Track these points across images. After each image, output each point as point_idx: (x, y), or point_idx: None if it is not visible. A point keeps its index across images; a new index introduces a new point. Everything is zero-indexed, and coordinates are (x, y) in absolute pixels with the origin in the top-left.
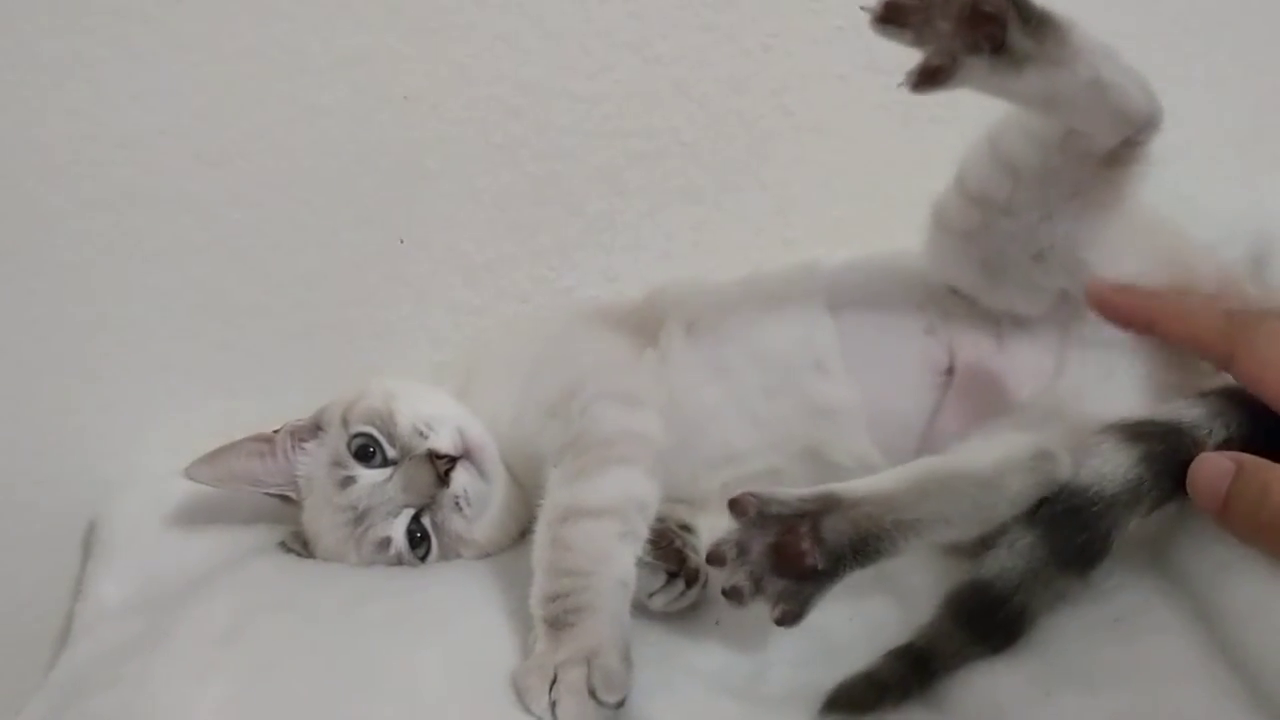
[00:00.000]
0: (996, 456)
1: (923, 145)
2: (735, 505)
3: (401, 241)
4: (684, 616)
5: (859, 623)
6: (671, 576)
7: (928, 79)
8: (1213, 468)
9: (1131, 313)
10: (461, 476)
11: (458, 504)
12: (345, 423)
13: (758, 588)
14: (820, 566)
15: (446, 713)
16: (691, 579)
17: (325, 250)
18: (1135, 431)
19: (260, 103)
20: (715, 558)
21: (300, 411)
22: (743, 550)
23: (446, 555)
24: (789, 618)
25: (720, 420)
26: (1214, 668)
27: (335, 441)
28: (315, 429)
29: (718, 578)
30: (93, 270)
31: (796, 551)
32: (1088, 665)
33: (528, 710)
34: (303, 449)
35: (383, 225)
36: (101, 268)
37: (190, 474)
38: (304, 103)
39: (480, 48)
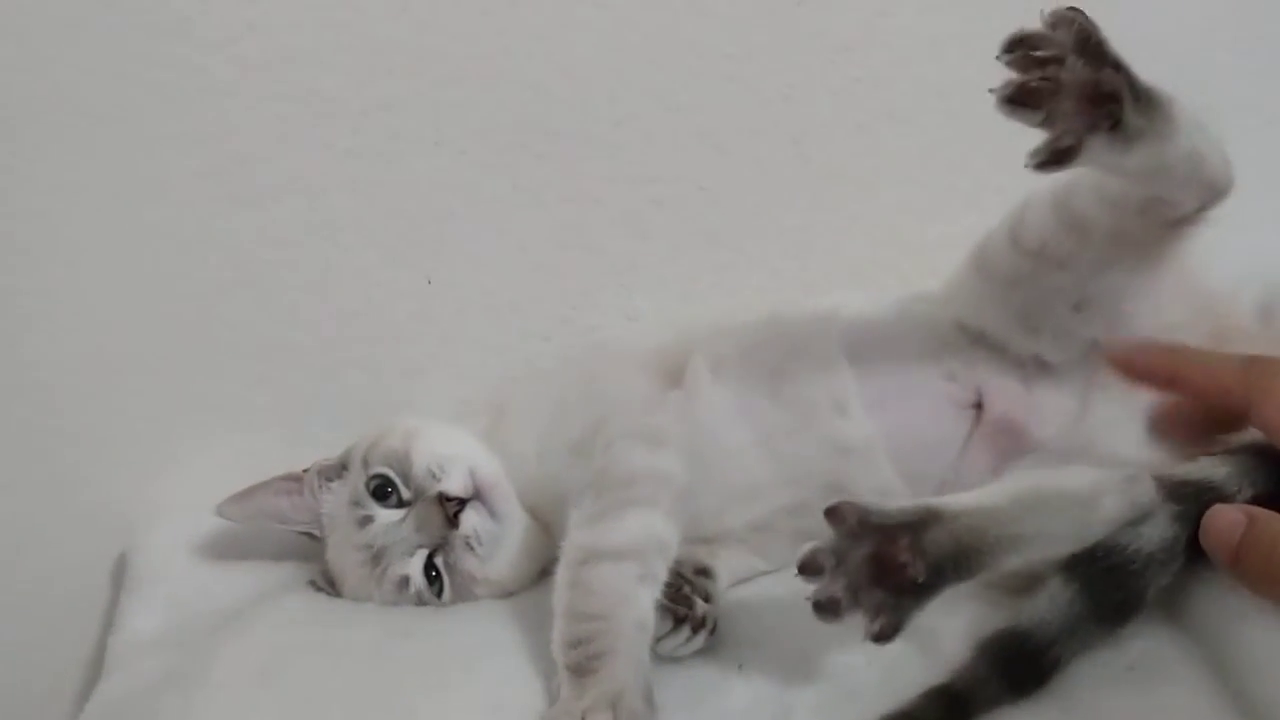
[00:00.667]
0: (1092, 477)
1: (937, 191)
2: (833, 514)
3: (429, 282)
4: (708, 661)
5: (878, 665)
6: (679, 622)
7: (1057, 159)
8: (1225, 520)
9: (1153, 371)
10: (471, 518)
11: (469, 545)
12: (365, 463)
13: (855, 600)
14: (921, 579)
15: None
16: (698, 625)
17: (354, 289)
18: (1172, 491)
19: (293, 146)
20: (811, 567)
21: (328, 447)
22: (840, 560)
23: (460, 595)
24: (888, 631)
25: (744, 458)
26: (1225, 715)
27: (356, 481)
28: (341, 468)
29: (808, 589)
30: (126, 307)
31: (898, 563)
32: (1102, 711)
33: None
34: (329, 488)
35: (410, 265)
36: (134, 305)
37: (221, 511)
38: (335, 146)
39: (509, 95)
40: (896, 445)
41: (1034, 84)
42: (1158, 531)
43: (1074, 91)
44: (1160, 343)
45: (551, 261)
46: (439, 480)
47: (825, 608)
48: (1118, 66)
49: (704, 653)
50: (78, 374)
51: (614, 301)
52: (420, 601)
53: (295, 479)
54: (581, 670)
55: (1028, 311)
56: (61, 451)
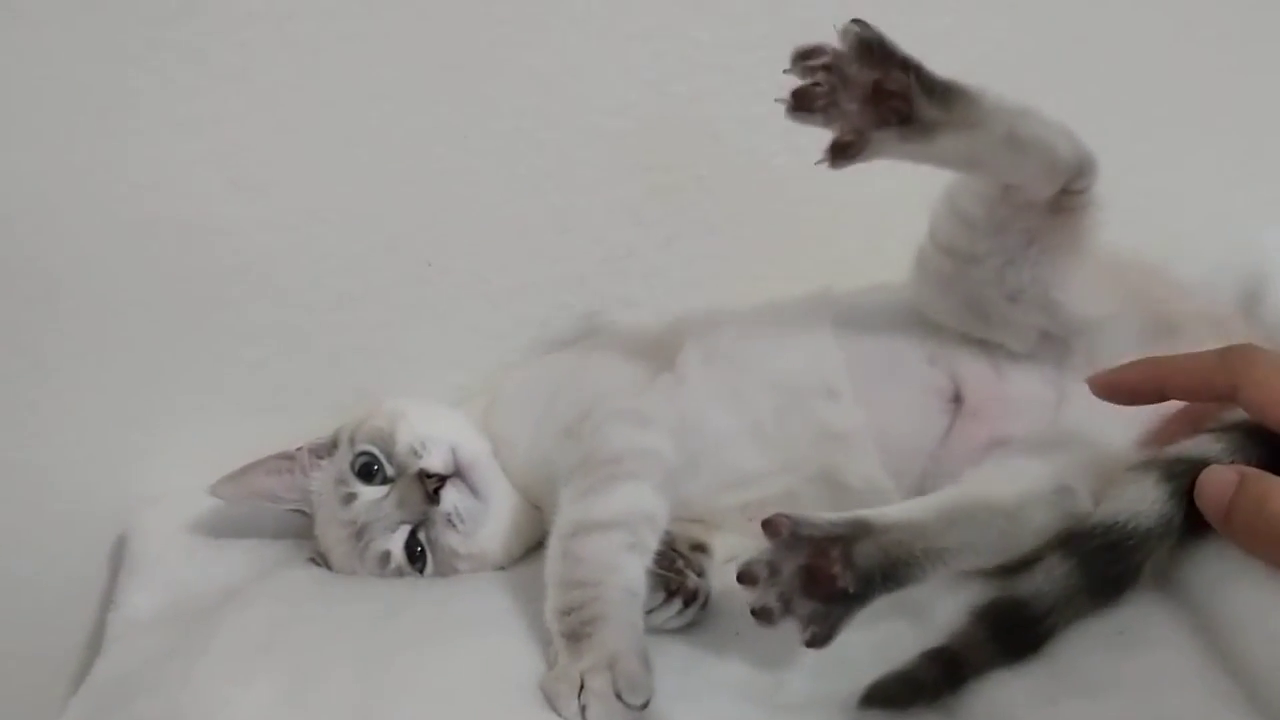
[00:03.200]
0: (1020, 489)
1: (929, 182)
2: (768, 526)
3: (429, 264)
4: (704, 629)
5: (871, 636)
6: (670, 595)
7: (839, 154)
8: (1218, 479)
9: (1140, 386)
10: (451, 495)
11: (450, 521)
12: (352, 441)
13: (787, 608)
14: (851, 590)
15: (483, 714)
16: (690, 598)
17: (353, 274)
18: (1168, 469)
19: (293, 132)
20: (747, 577)
21: (325, 431)
22: (774, 571)
23: (442, 569)
24: (818, 639)
25: (735, 443)
26: (1212, 675)
27: (342, 459)
28: (332, 446)
29: (747, 597)
30: (125, 292)
31: (828, 574)
32: (1092, 674)
33: (559, 714)
34: (319, 465)
35: (410, 251)
36: (134, 290)
37: (214, 491)
38: (336, 132)
39: (509, 83)
40: (882, 432)
41: (809, 90)
42: (1156, 509)
43: (855, 93)
44: (1137, 360)
45: (550, 248)
46: (420, 458)
47: (760, 615)
48: (906, 67)
49: (701, 621)
50: (76, 357)
51: (611, 288)
52: (400, 575)
53: (288, 458)
54: (576, 636)
55: (970, 304)
56: (59, 434)
